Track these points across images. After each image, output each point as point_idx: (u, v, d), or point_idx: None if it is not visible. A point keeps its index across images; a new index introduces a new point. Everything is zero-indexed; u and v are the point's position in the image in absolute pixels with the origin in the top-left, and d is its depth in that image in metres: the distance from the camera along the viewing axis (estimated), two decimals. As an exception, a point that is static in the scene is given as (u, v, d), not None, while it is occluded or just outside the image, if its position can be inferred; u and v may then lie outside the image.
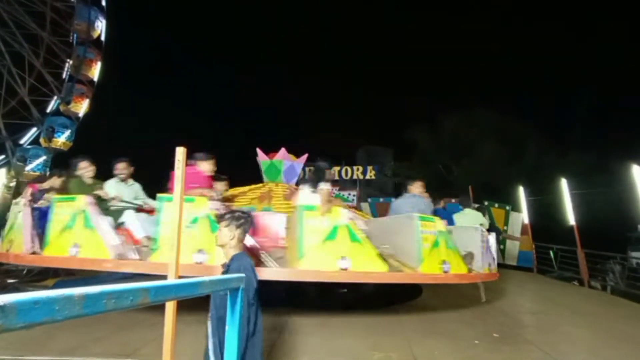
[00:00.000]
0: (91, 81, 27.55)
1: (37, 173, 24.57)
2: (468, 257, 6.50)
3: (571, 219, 11.48)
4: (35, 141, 26.50)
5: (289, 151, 9.89)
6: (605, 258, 12.28)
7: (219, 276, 1.20)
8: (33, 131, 26.33)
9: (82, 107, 27.30)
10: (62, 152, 26.49)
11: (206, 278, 1.08)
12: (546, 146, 25.40)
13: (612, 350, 4.95)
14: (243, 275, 1.38)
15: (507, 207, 14.34)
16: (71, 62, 26.65)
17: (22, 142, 26.21)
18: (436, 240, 5.85)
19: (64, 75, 27.08)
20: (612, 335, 5.68)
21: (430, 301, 7.75)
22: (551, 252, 13.61)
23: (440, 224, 6.10)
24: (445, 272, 5.75)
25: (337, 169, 23.27)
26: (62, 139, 26.77)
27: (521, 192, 14.30)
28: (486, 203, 13.66)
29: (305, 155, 10.22)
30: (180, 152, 2.51)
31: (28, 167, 25.66)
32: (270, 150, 9.86)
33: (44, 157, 26.13)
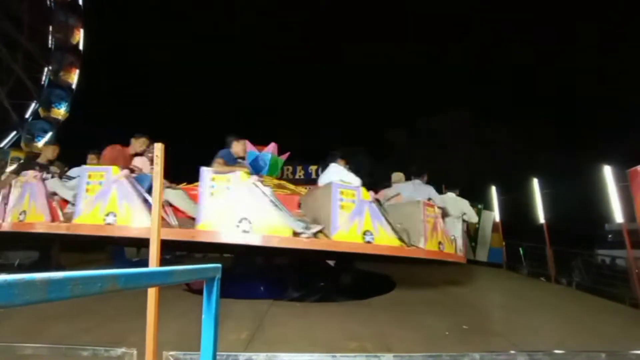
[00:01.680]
0: (76, 48, 26.84)
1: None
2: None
3: (541, 217, 11.63)
4: (36, 117, 25.87)
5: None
6: (573, 255, 12.47)
7: (194, 266, 1.17)
8: (33, 105, 25.70)
9: (74, 77, 26.63)
10: (59, 123, 26.21)
11: (180, 267, 1.06)
12: (519, 147, 25.73)
13: (575, 340, 5.05)
14: (219, 265, 1.35)
15: (479, 206, 14.45)
16: (54, 30, 25.99)
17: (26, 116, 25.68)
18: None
19: (49, 44, 26.28)
20: (575, 327, 5.79)
21: (403, 294, 7.80)
22: (521, 249, 13.79)
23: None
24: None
25: (314, 167, 23.23)
26: (62, 110, 26.23)
27: (493, 191, 14.46)
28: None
29: (272, 145, 10.11)
30: (158, 148, 2.47)
31: (41, 143, 25.13)
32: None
33: (50, 133, 25.63)
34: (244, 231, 5.44)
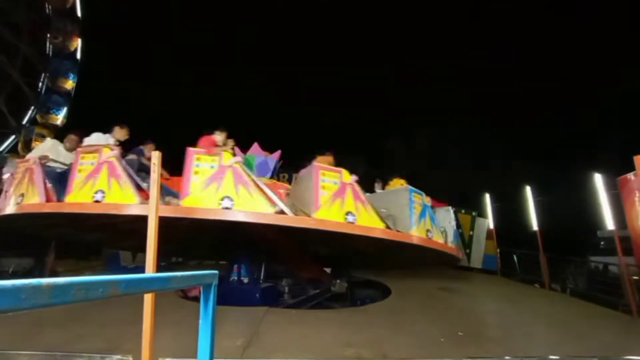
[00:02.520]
0: (74, 13, 26.42)
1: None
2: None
3: (534, 224, 11.67)
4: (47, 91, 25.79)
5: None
6: (566, 262, 12.52)
7: (191, 272, 1.18)
8: (43, 77, 25.58)
9: (76, 44, 26.36)
10: (70, 94, 26.22)
11: (178, 273, 1.07)
12: (512, 155, 25.88)
13: (569, 346, 5.06)
14: (216, 272, 1.37)
15: (474, 213, 14.54)
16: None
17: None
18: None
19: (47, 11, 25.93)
20: (569, 332, 5.80)
21: (398, 302, 7.79)
22: (514, 256, 13.83)
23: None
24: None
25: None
26: (70, 80, 26.12)
27: (487, 198, 14.51)
28: (453, 209, 13.78)
29: (279, 152, 10.42)
30: (156, 157, 2.48)
31: (60, 116, 25.29)
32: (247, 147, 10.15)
33: (66, 108, 25.62)
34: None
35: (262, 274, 8.59)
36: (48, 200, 6.37)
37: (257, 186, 6.08)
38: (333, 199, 6.00)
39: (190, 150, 6.25)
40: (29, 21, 24.46)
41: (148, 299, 2.63)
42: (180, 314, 5.77)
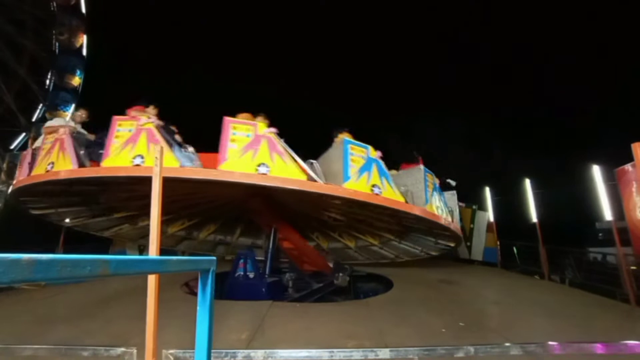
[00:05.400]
0: (80, 13, 26.20)
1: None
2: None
3: (534, 216, 11.60)
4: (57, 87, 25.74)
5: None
6: (565, 253, 12.45)
7: (188, 257, 1.16)
8: (50, 74, 25.58)
9: (82, 40, 26.23)
10: (77, 90, 26.09)
11: (174, 257, 1.04)
12: (512, 149, 25.83)
13: (567, 334, 5.03)
14: (214, 258, 1.34)
15: (474, 207, 14.47)
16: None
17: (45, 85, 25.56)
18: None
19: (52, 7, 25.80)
20: (569, 321, 5.77)
21: (400, 294, 7.77)
22: (515, 248, 13.76)
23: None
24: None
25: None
26: (77, 76, 26.06)
27: (487, 192, 14.44)
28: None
29: None
30: (157, 150, 2.47)
31: (69, 112, 25.12)
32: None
33: (73, 104, 25.64)
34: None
35: (267, 269, 8.59)
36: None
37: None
38: (244, 150, 6.24)
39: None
40: (34, 18, 24.35)
41: (151, 290, 2.61)
42: (186, 309, 5.76)
